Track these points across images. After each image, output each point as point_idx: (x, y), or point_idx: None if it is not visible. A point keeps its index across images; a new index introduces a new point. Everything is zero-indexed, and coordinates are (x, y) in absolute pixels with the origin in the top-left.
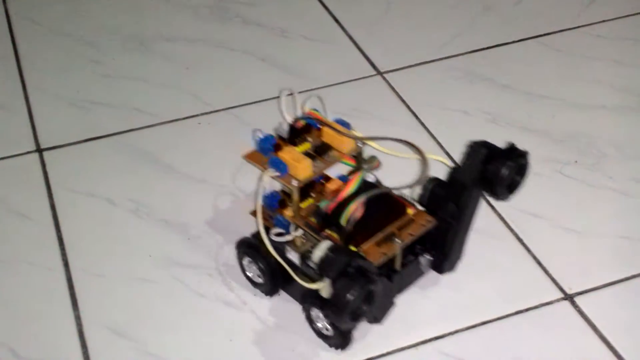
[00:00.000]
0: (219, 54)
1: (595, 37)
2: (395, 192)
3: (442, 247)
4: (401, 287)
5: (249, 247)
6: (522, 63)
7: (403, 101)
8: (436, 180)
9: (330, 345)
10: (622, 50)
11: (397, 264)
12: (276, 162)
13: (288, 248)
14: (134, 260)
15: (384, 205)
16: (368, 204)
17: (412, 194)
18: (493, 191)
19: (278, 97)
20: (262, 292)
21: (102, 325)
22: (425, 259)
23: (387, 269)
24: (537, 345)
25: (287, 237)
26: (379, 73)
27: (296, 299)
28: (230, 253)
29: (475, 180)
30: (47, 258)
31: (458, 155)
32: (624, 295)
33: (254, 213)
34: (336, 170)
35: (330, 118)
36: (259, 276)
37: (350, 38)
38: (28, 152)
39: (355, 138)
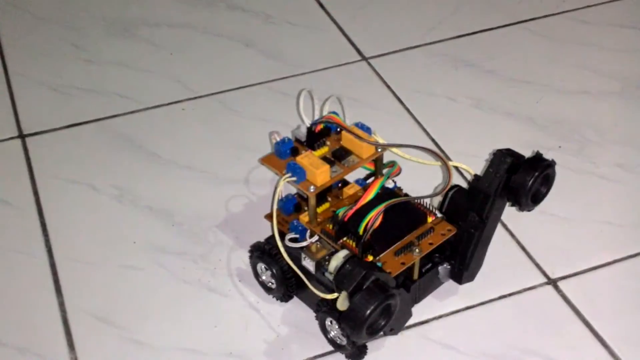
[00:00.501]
0: (204, 39)
1: (580, 23)
2: (416, 199)
3: (462, 257)
4: (418, 297)
5: (263, 253)
6: (507, 48)
7: (388, 87)
8: (458, 188)
9: (346, 357)
10: (607, 35)
11: (415, 273)
12: (294, 167)
13: (303, 255)
14: (118, 246)
15: (403, 214)
16: (387, 212)
17: (433, 201)
18: (517, 201)
19: (264, 82)
20: (275, 298)
21: (86, 312)
22: (444, 268)
23: (404, 278)
24: (521, 330)
25: (302, 244)
26: (364, 59)
27: (310, 307)
28: (215, 239)
29: (499, 190)
30: (30, 245)
31: (444, 142)
32: (607, 280)
33: (269, 217)
34: (354, 174)
35: (350, 122)
36: (271, 282)
37: (336, 23)
38: (10, 138)
39: (376, 144)
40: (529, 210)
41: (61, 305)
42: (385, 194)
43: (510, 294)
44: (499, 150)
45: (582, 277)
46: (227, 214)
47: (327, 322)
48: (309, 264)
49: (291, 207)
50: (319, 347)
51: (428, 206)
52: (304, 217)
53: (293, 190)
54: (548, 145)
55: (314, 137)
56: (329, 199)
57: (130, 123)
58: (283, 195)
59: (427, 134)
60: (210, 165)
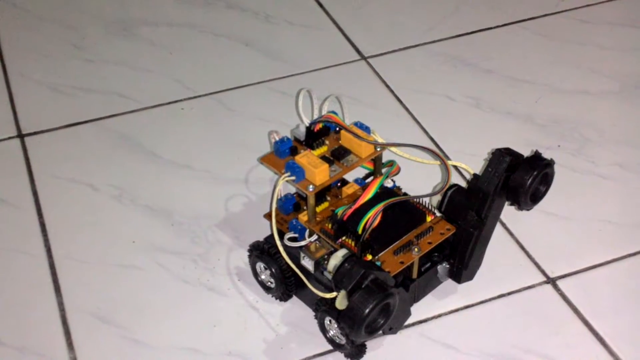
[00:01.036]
0: (203, 39)
1: (579, 22)
2: (415, 198)
3: (461, 256)
4: (417, 296)
5: (262, 252)
6: (506, 48)
7: (387, 86)
8: (457, 187)
9: (346, 356)
10: (606, 35)
11: (414, 272)
12: (293, 167)
13: (302, 254)
14: (117, 246)
15: (402, 213)
16: (386, 211)
17: (432, 201)
18: (516, 200)
19: (263, 82)
20: (274, 297)
21: (85, 311)
22: (443, 267)
23: (404, 277)
24: (520, 329)
25: (302, 243)
26: (363, 58)
27: (309, 306)
28: (214, 239)
29: (498, 189)
30: (29, 244)
31: (443, 141)
32: (606, 278)
33: (268, 217)
34: (353, 174)
35: (349, 121)
36: (270, 282)
37: (335, 23)
38: (9, 138)
39: (375, 143)
40: (528, 210)
41: (60, 304)
42: (384, 193)
43: (509, 293)
44: (498, 150)
45: (581, 276)
46: (226, 214)
47: (326, 321)
48: (308, 263)
49: (290, 206)
50: (318, 346)
51: (427, 205)
52: (303, 217)
53: (292, 189)
54: (547, 144)
55: (313, 137)
56: (328, 198)
57: (129, 122)
58: (282, 195)
59: (426, 133)
60: (210, 164)
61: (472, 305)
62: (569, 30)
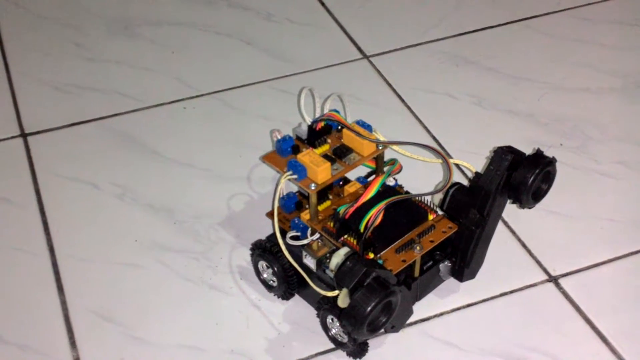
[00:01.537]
0: (205, 37)
1: (581, 20)
2: (416, 197)
3: (463, 254)
4: (420, 295)
5: (264, 251)
6: (508, 46)
7: (389, 84)
8: (459, 186)
9: (348, 354)
10: (608, 33)
11: (416, 271)
12: (295, 165)
13: (304, 252)
14: (119, 244)
15: (404, 211)
16: (388, 210)
17: (434, 199)
18: (518, 199)
19: (265, 80)
20: (276, 295)
21: (88, 309)
22: (445, 265)
23: (406, 275)
24: (522, 327)
25: (303, 241)
26: (365, 57)
27: (311, 304)
28: (216, 237)
29: (500, 187)
30: (32, 243)
31: (445, 140)
32: (608, 277)
33: (270, 215)
34: (355, 172)
35: (351, 120)
36: (272, 280)
37: (337, 21)
38: (12, 137)
39: (377, 142)
40: (529, 208)
41: (63, 303)
42: (386, 191)
43: (511, 291)
44: (500, 148)
45: (583, 274)
46: (228, 212)
47: (328, 320)
48: (310, 262)
49: (292, 204)
50: (320, 345)
51: (429, 204)
52: (305, 215)
53: (294, 188)
54: (549, 142)
55: (315, 135)
56: (330, 196)
57: (131, 121)
58: (284, 193)
59: (428, 131)
60: (212, 163)
61: (474, 304)
62: (571, 29)
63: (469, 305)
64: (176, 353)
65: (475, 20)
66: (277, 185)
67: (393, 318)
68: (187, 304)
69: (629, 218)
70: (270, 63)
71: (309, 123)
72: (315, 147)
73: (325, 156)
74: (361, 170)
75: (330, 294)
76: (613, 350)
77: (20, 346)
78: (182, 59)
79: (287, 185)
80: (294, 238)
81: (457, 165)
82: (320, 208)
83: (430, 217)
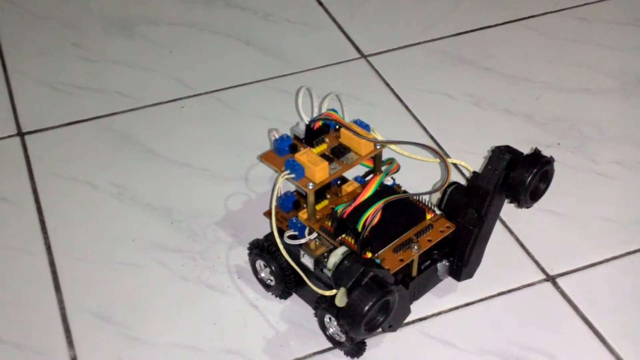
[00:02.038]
0: (203, 37)
1: (579, 20)
2: (414, 196)
3: (461, 254)
4: (417, 294)
5: (262, 250)
6: (506, 46)
7: (387, 84)
8: (456, 185)
9: (345, 354)
10: (606, 33)
11: (414, 270)
12: (293, 165)
13: (302, 252)
14: (117, 244)
15: (402, 211)
16: (386, 209)
17: (431, 198)
18: (516, 198)
19: (262, 80)
20: (274, 295)
21: (85, 309)
22: (443, 265)
23: (403, 275)
24: (519, 327)
25: (301, 241)
26: (363, 56)
27: (309, 304)
28: (214, 237)
29: (498, 187)
30: (29, 242)
31: (442, 139)
32: (606, 276)
33: (268, 214)
34: (353, 171)
35: (348, 119)
36: (270, 279)
37: (334, 21)
38: (9, 136)
39: (375, 141)
40: (527, 207)
41: (60, 302)
42: (384, 191)
43: (508, 291)
44: (498, 147)
45: (580, 274)
46: (226, 212)
47: (326, 319)
48: (307, 261)
49: (290, 204)
50: (318, 344)
51: (427, 203)
52: (303, 214)
53: (292, 187)
54: (547, 142)
55: (313, 134)
56: (328, 196)
57: (129, 121)
58: (282, 193)
59: (426, 131)
60: (209, 162)
61: (472, 303)
62: (569, 29)
63: (466, 305)
64: (174, 352)
65: (473, 20)
66: (274, 184)
67: (390, 317)
68: (184, 304)
69: (627, 218)
70: (268, 62)
71: (307, 122)
72: (313, 146)
73: (323, 155)
74: (359, 170)
75: (327, 293)
76: (611, 350)
77: (18, 345)
78: (180, 58)
79: (285, 184)
80: (291, 237)
81: (455, 165)
82: (318, 207)
83: (428, 216)
